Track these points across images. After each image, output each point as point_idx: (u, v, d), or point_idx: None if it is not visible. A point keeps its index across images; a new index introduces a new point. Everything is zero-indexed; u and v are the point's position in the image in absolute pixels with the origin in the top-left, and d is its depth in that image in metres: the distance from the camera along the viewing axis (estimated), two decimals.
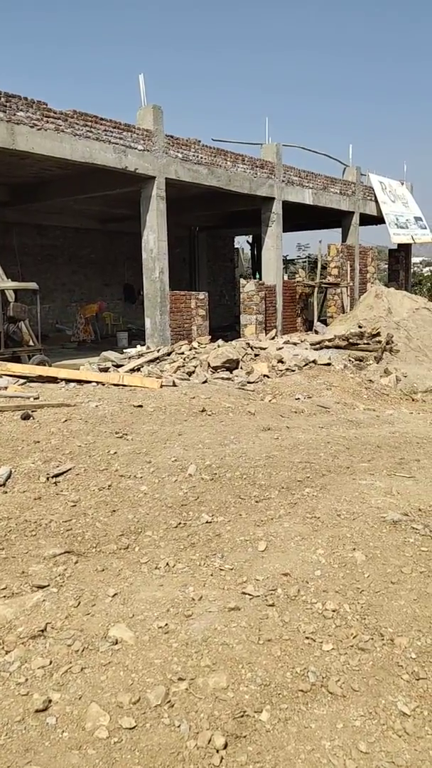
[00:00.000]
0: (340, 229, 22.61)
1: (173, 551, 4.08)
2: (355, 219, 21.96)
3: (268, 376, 11.26)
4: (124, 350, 14.37)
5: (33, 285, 13.06)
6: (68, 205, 18.67)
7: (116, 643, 3.02)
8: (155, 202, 14.47)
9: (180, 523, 4.48)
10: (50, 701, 2.64)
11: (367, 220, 23.16)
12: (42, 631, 3.13)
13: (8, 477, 5.20)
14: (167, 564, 3.88)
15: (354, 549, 3.90)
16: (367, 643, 3.01)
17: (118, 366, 11.72)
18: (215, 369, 11.53)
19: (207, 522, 4.50)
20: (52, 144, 12.16)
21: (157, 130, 14.23)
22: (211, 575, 3.70)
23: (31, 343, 12.58)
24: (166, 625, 3.14)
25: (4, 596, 3.52)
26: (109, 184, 14.81)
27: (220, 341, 14.12)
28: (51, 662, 2.89)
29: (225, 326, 21.43)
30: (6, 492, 4.98)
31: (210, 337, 15.27)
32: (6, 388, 8.32)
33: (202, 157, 15.49)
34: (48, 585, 3.61)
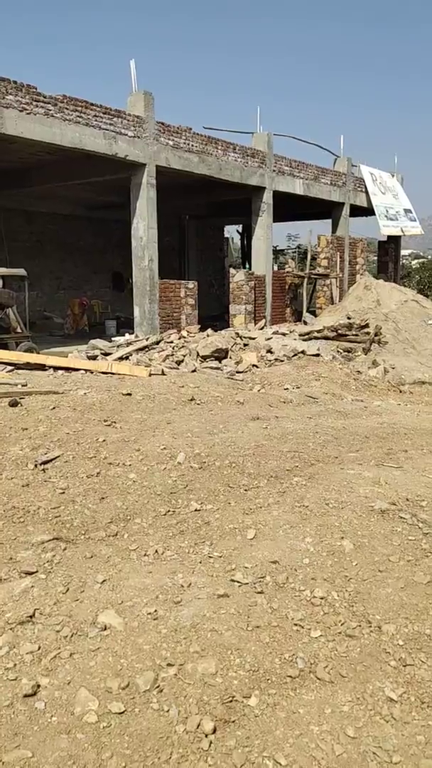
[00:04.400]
0: (330, 220, 22.59)
1: (162, 538, 4.08)
2: (346, 210, 21.94)
3: (257, 366, 11.27)
4: (113, 338, 14.30)
5: (21, 271, 12.94)
6: (57, 191, 18.48)
7: (105, 629, 3.02)
8: (145, 189, 14.36)
9: (169, 511, 4.49)
10: (39, 686, 2.64)
11: (357, 211, 23.15)
12: (30, 616, 3.12)
13: None
14: (156, 551, 3.88)
15: (342, 537, 3.92)
16: (355, 630, 3.04)
17: (107, 354, 11.68)
18: (204, 358, 11.52)
19: (196, 510, 4.50)
20: (42, 129, 12.01)
21: (147, 117, 14.10)
22: (200, 562, 3.71)
23: (18, 330, 12.47)
24: (155, 611, 3.14)
25: None
26: (99, 171, 14.66)
27: (209, 330, 14.10)
28: (39, 648, 2.89)
29: (214, 316, 21.36)
30: None
31: (199, 326, 15.24)
32: None
33: (193, 145, 15.37)
34: (36, 571, 3.60)
